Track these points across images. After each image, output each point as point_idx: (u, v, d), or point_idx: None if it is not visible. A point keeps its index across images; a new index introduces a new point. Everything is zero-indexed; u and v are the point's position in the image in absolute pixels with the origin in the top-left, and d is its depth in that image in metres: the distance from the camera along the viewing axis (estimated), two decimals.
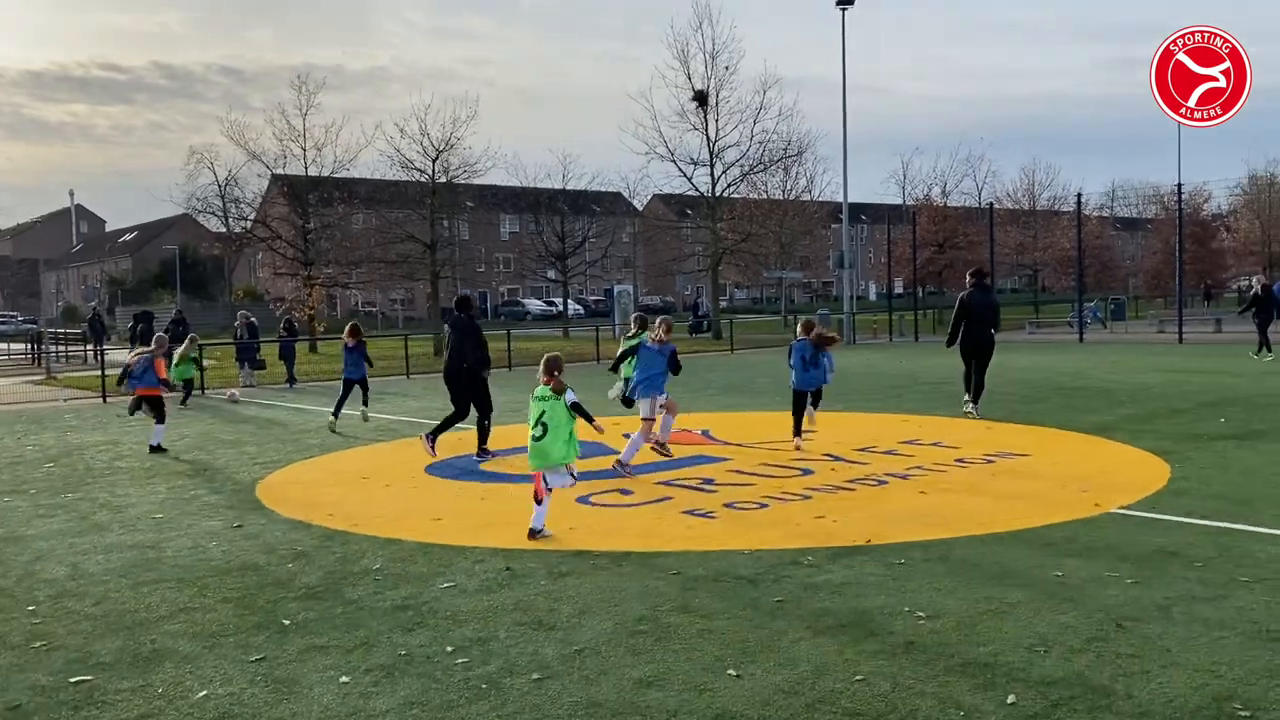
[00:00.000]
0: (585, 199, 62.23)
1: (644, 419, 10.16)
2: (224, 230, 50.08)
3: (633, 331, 10.91)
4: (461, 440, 11.82)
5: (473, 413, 11.58)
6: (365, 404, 15.11)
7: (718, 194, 40.58)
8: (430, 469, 10.65)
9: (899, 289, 55.41)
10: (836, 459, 10.41)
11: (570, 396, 7.38)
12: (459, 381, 11.49)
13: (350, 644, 5.22)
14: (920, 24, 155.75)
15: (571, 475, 7.45)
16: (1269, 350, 21.42)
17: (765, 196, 54.51)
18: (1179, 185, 29.14)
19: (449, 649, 5.09)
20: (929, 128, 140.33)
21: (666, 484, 9.32)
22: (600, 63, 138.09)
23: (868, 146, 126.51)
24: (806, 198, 56.69)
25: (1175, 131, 55.60)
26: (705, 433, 12.66)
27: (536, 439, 7.30)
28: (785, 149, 41.35)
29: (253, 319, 25.29)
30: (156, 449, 12.45)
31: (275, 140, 38.28)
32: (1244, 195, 62.65)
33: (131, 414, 13.82)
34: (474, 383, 11.41)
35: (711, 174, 39.92)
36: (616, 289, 45.34)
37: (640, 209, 73.46)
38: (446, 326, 12.08)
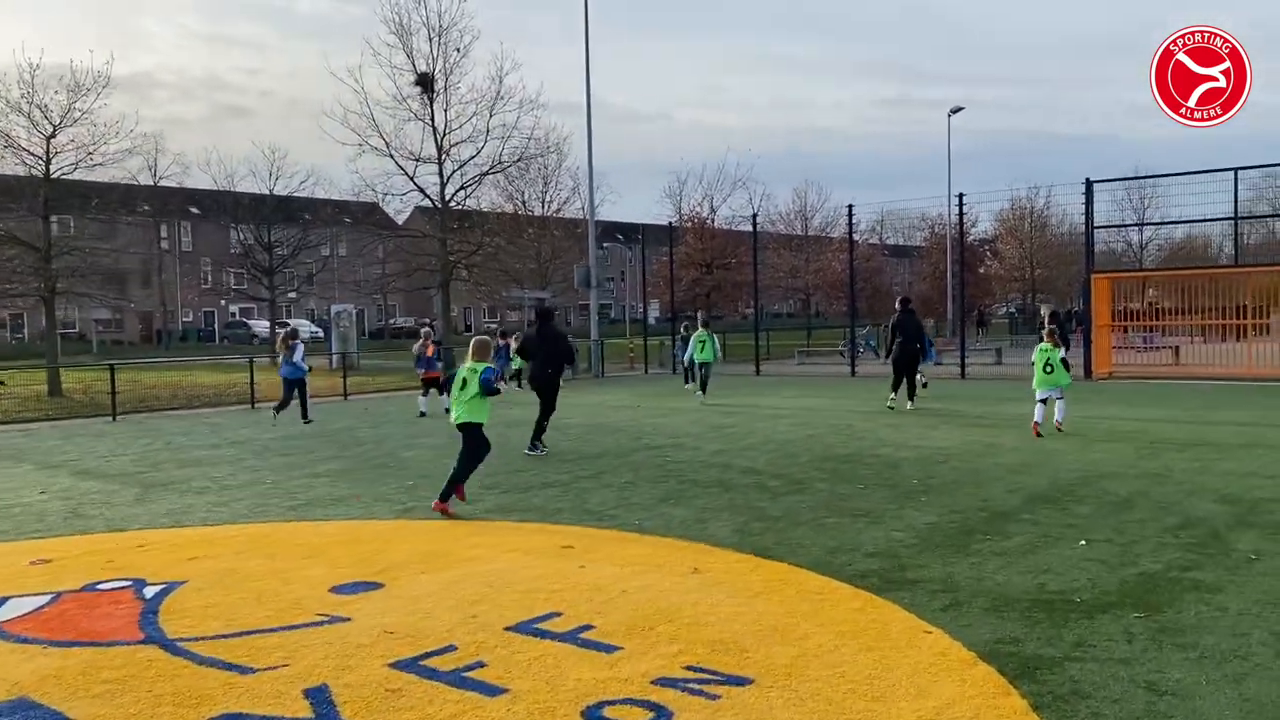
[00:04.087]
0: (328, 209, 54.18)
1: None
2: None
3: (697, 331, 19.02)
4: None
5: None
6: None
7: (449, 199, 34.36)
8: None
9: (656, 313, 50.79)
10: None
11: (1061, 353, 13.01)
12: (547, 384, 12.72)
13: None
14: (701, 54, 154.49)
15: (1042, 401, 12.83)
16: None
17: (524, 209, 49.06)
18: (960, 196, 25.31)
19: None
20: (709, 155, 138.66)
21: None
22: (385, 79, 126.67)
23: (650, 171, 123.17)
24: (577, 214, 51.18)
25: (944, 159, 54.15)
26: (147, 617, 6.32)
27: (1048, 373, 12.81)
28: (528, 146, 35.53)
29: None
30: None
31: None
32: (1006, 224, 62.19)
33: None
34: (554, 385, 12.80)
35: (440, 173, 33.66)
36: (335, 309, 37.90)
37: (400, 223, 65.62)
38: (525, 336, 15.19)
